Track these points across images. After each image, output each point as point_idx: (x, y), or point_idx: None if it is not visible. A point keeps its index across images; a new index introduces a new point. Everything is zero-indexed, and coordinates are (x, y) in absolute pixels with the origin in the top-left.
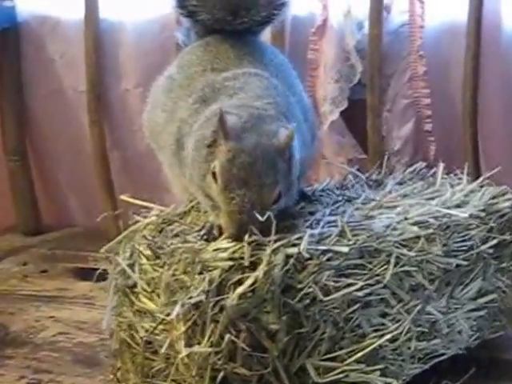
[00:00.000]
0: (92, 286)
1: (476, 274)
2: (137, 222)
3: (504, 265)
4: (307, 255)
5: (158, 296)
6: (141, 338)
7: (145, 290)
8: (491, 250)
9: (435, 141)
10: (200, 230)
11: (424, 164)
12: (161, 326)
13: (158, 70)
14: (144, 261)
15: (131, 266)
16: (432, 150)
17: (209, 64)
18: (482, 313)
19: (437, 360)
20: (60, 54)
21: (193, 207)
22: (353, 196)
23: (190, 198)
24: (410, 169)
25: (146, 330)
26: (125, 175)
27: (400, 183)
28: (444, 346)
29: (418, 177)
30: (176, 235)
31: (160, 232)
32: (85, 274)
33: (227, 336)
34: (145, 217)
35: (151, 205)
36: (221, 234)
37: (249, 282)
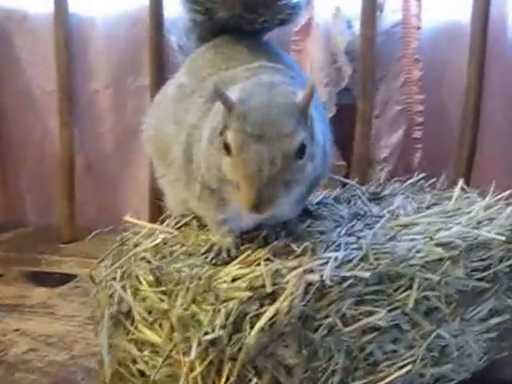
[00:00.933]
0: (50, 292)
1: (489, 294)
2: (125, 239)
3: None
4: (330, 283)
5: (162, 327)
6: (138, 369)
7: (144, 319)
8: (507, 270)
9: (421, 148)
10: (206, 253)
11: (422, 175)
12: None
13: (130, 68)
14: (145, 287)
15: (124, 290)
16: (417, 157)
17: (223, 64)
18: (492, 334)
19: None
20: (27, 50)
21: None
22: (359, 212)
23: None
24: (409, 181)
25: (147, 363)
26: (87, 178)
27: (406, 197)
28: (454, 371)
29: (416, 188)
30: (179, 257)
31: (158, 253)
32: (40, 279)
33: (254, 377)
34: (134, 233)
35: (155, 226)
36: (230, 257)
37: (269, 315)
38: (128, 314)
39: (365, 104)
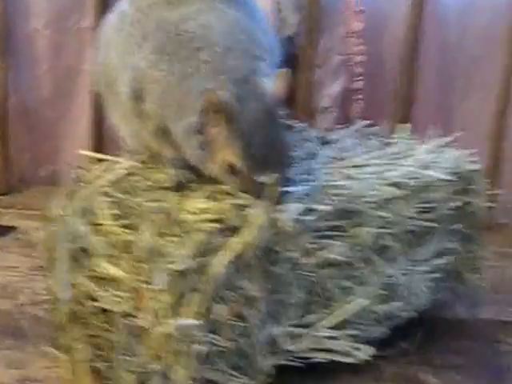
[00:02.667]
0: None
1: (433, 235)
2: (80, 177)
3: (457, 226)
4: (292, 221)
5: (125, 261)
6: (97, 307)
7: (106, 255)
8: (451, 212)
9: (362, 99)
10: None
11: (366, 122)
12: (127, 294)
13: (72, 8)
14: (107, 221)
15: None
16: (357, 107)
17: None
18: (436, 274)
19: (394, 323)
20: None
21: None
22: (313, 153)
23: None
24: (353, 127)
25: (108, 299)
26: (22, 124)
27: (352, 141)
28: (402, 309)
29: (360, 134)
30: (141, 192)
31: (119, 189)
32: None
33: (218, 307)
34: (88, 170)
35: (116, 158)
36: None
37: (237, 247)
38: (86, 250)
39: (310, 52)
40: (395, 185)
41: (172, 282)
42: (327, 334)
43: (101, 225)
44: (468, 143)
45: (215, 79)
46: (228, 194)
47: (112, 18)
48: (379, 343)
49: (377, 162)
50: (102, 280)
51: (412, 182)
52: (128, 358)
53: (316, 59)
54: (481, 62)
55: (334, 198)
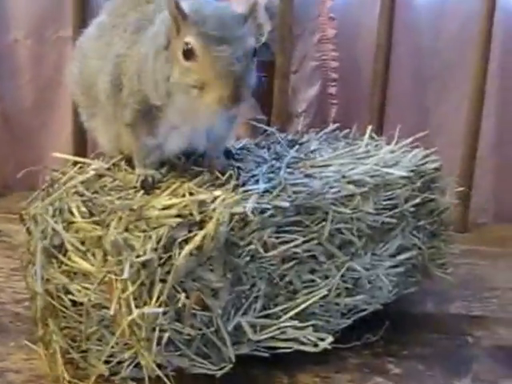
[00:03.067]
0: None
1: (397, 231)
2: (56, 178)
3: (421, 223)
4: (252, 216)
5: (95, 255)
6: (70, 299)
7: (78, 250)
8: (413, 209)
9: (337, 103)
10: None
11: (336, 125)
12: (97, 287)
13: (51, 19)
14: (78, 219)
15: (57, 223)
16: (333, 112)
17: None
18: (400, 269)
19: (359, 316)
20: None
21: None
22: (280, 155)
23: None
24: (325, 130)
25: (80, 291)
26: (4, 132)
27: (322, 143)
28: (366, 302)
29: (332, 138)
30: (110, 191)
31: (90, 188)
32: None
33: (181, 296)
34: (62, 173)
35: (87, 160)
36: (155, 181)
37: (197, 240)
38: (60, 246)
39: (283, 60)
40: (355, 182)
41: (135, 273)
42: (291, 324)
43: (73, 222)
44: (442, 146)
45: None
46: (191, 193)
47: (90, 29)
48: (345, 335)
49: (340, 161)
50: (75, 274)
51: (371, 180)
52: (100, 347)
53: (291, 65)
54: (454, 66)
55: (294, 194)
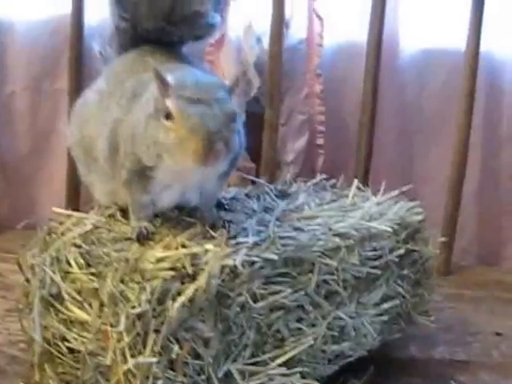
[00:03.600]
0: None
1: (381, 281)
2: (52, 229)
3: (405, 272)
4: (242, 268)
5: (90, 305)
6: (67, 347)
7: (74, 299)
8: (397, 259)
9: (324, 154)
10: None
11: (324, 176)
12: (93, 336)
13: (47, 71)
14: (75, 270)
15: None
16: (320, 162)
17: (140, 68)
18: (384, 318)
19: (345, 361)
20: None
21: (111, 215)
22: (269, 206)
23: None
24: (313, 181)
25: (76, 340)
26: (1, 178)
27: (309, 194)
28: (351, 348)
29: (319, 188)
30: (106, 243)
31: (87, 240)
32: None
33: (175, 346)
34: (60, 223)
35: (83, 215)
36: (148, 232)
37: (189, 292)
38: (58, 296)
39: (272, 113)
40: (341, 235)
41: (130, 324)
42: (279, 372)
43: (70, 273)
44: (427, 194)
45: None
46: (183, 245)
47: (89, 95)
48: (331, 381)
49: (327, 213)
50: (72, 323)
51: (355, 233)
52: None
53: (279, 118)
54: (438, 120)
55: (282, 247)
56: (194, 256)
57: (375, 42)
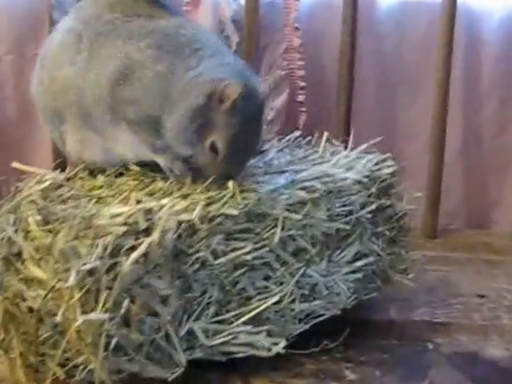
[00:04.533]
0: None
1: (354, 238)
2: (19, 189)
3: (380, 229)
4: (199, 223)
5: (47, 263)
6: (27, 306)
7: (33, 257)
8: (369, 215)
9: (306, 111)
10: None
11: (299, 133)
12: (49, 294)
13: (31, 36)
14: (33, 227)
15: (15, 232)
16: (302, 119)
17: (128, 10)
18: (358, 275)
19: (317, 321)
20: None
21: (75, 175)
22: None
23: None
24: (287, 138)
25: (35, 298)
26: None
27: (278, 151)
28: (323, 307)
29: (294, 145)
30: (66, 200)
31: (46, 198)
32: None
33: (125, 302)
34: (27, 182)
35: (42, 171)
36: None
37: (143, 247)
38: (19, 255)
39: None
40: (305, 188)
41: (81, 280)
42: (244, 330)
43: (30, 231)
44: (412, 151)
45: (220, 71)
46: (138, 201)
47: (57, 35)
48: (302, 341)
49: (293, 168)
50: (32, 281)
51: (320, 186)
52: (55, 351)
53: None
54: (419, 72)
55: (242, 202)
56: (149, 211)
57: None
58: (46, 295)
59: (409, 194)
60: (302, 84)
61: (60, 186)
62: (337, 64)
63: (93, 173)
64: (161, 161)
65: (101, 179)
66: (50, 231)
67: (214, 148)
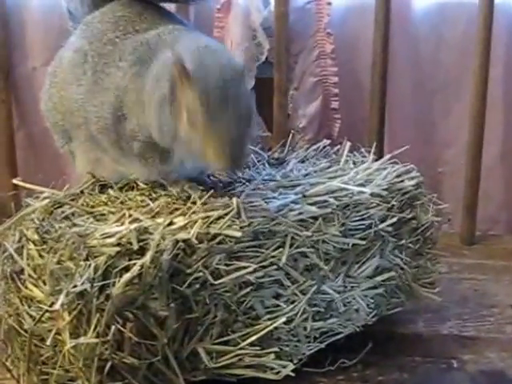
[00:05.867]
0: None
1: (373, 252)
2: (28, 205)
3: (403, 242)
4: (196, 242)
5: (45, 283)
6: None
7: (31, 277)
8: (390, 228)
9: (340, 118)
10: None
11: (328, 141)
12: (47, 314)
13: None
14: (31, 246)
15: (20, 250)
16: (336, 127)
17: (129, 27)
18: (379, 290)
19: (333, 339)
20: None
21: (82, 191)
22: (253, 175)
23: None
24: (314, 146)
25: (32, 318)
26: (29, 154)
27: (302, 161)
28: (341, 325)
29: (322, 154)
30: (65, 218)
31: (50, 215)
32: None
33: (113, 326)
34: (38, 198)
35: (43, 188)
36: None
37: (135, 268)
38: (21, 273)
39: (280, 77)
40: (318, 203)
41: (70, 303)
42: (249, 351)
43: (30, 249)
44: (451, 161)
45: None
46: (135, 219)
47: (66, 54)
48: (317, 358)
49: (310, 180)
50: (31, 301)
51: (333, 200)
52: (56, 371)
53: (290, 82)
54: (459, 75)
55: (248, 220)
56: (145, 230)
57: None
58: (40, 318)
59: (440, 204)
60: (336, 91)
61: (59, 203)
62: (369, 69)
63: (105, 186)
64: (171, 187)
65: (108, 194)
66: (46, 250)
67: (190, 120)
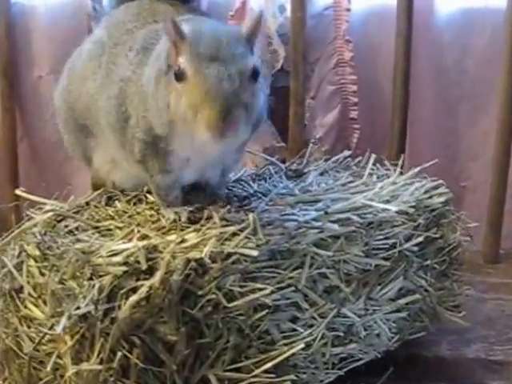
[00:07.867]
0: None
1: (397, 273)
2: (29, 218)
3: (428, 262)
4: (209, 261)
5: (45, 303)
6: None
7: (31, 296)
8: (415, 248)
9: (359, 128)
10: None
11: (349, 152)
12: (48, 336)
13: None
14: (32, 262)
15: (19, 266)
16: (355, 138)
17: (149, 18)
18: (402, 314)
19: (353, 365)
20: None
21: (88, 203)
22: (269, 189)
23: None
24: (334, 158)
25: (32, 340)
26: (32, 165)
27: (321, 174)
28: (361, 351)
29: (342, 167)
30: (69, 233)
31: (53, 229)
32: None
33: (119, 352)
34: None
35: (46, 200)
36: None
37: (143, 289)
38: (20, 291)
39: (296, 85)
40: (340, 221)
41: (73, 326)
42: (263, 379)
43: (30, 266)
44: (475, 175)
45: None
46: (145, 236)
47: (85, 46)
48: (336, 381)
49: (331, 196)
50: (31, 321)
51: (357, 218)
52: None
53: (308, 91)
54: (484, 85)
55: (265, 238)
56: (154, 249)
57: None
58: (40, 340)
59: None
60: (355, 100)
61: (63, 216)
62: (391, 76)
63: (111, 198)
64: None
65: (116, 207)
66: (47, 268)
67: (180, 74)
